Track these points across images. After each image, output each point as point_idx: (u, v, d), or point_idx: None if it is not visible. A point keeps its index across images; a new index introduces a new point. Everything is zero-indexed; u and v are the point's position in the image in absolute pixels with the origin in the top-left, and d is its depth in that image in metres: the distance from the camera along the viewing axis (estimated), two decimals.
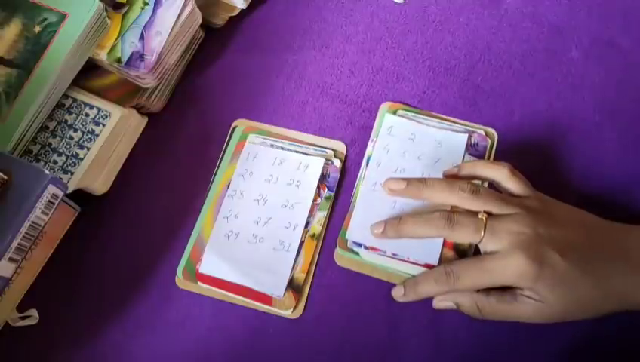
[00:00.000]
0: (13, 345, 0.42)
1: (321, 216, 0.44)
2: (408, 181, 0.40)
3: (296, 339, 0.41)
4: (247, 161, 0.46)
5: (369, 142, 0.46)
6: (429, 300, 0.40)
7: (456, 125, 0.46)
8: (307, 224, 0.43)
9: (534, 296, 0.36)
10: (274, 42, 0.52)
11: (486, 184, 0.42)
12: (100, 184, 0.46)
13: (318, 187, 0.44)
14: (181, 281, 0.43)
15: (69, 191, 0.42)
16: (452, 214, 0.38)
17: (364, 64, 0.50)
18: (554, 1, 0.51)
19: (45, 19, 0.43)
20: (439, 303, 0.39)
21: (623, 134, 0.45)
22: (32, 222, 0.38)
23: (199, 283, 0.42)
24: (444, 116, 0.47)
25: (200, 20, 0.49)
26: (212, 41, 0.53)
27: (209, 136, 0.48)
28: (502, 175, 0.39)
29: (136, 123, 0.48)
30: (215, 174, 0.46)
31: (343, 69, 0.50)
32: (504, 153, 0.45)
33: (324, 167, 0.45)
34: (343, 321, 0.41)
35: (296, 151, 0.46)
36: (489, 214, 0.37)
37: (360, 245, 0.42)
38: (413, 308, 0.41)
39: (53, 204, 0.39)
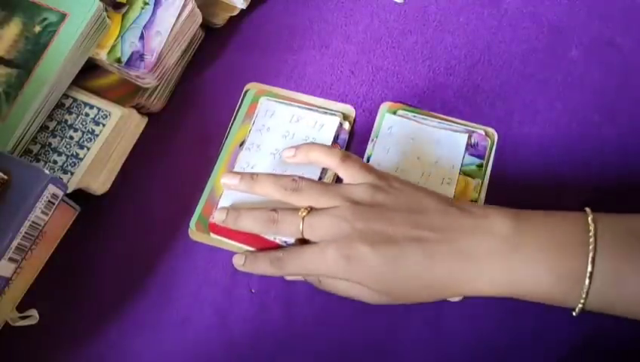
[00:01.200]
0: (13, 345, 0.42)
1: (330, 173, 0.44)
2: (241, 176, 0.41)
3: (294, 339, 0.41)
4: (264, 117, 0.47)
5: (369, 142, 0.46)
6: (430, 302, 0.40)
7: (456, 125, 0.46)
8: (320, 179, 0.44)
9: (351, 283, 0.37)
10: (274, 42, 0.52)
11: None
12: (100, 184, 0.46)
13: (332, 146, 0.45)
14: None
15: (69, 191, 0.42)
16: (275, 212, 0.39)
17: (364, 64, 0.50)
18: (554, 1, 0.51)
19: (45, 19, 0.43)
20: (288, 276, 0.41)
21: (623, 134, 0.45)
22: (32, 222, 0.38)
23: (212, 234, 0.43)
24: (444, 116, 0.47)
25: (200, 20, 0.49)
26: (212, 41, 0.53)
27: (209, 136, 0.48)
28: (333, 162, 0.39)
29: (136, 123, 0.48)
30: (227, 135, 0.48)
31: (343, 69, 0.50)
32: (504, 153, 0.45)
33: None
34: (342, 320, 0.41)
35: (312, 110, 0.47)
36: (312, 208, 0.38)
37: None
38: (413, 307, 0.41)
39: (53, 203, 0.39)
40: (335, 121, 0.46)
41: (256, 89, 0.49)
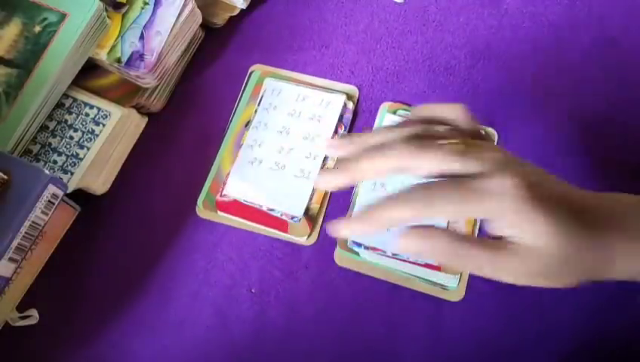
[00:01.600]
0: (13, 345, 0.42)
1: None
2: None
3: (294, 340, 0.41)
4: (271, 96, 0.48)
5: None
6: (430, 302, 0.40)
7: None
8: (325, 158, 0.45)
9: (521, 237, 0.28)
10: (274, 42, 0.52)
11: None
12: (100, 184, 0.46)
13: (337, 124, 0.46)
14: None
15: (69, 191, 0.42)
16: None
17: (364, 64, 0.50)
18: (554, 1, 0.51)
19: (45, 19, 0.43)
20: (406, 241, 0.28)
21: (624, 134, 0.45)
22: (32, 222, 0.38)
23: (219, 212, 0.43)
24: None
25: (200, 20, 0.49)
26: (212, 41, 0.53)
27: (209, 136, 0.48)
28: (457, 113, 0.31)
29: (136, 123, 0.48)
30: (233, 116, 0.48)
31: (343, 69, 0.50)
32: None
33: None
34: (342, 321, 0.41)
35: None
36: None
37: (360, 245, 0.42)
38: (413, 308, 0.41)
39: (53, 203, 0.39)
40: (341, 98, 0.47)
41: (260, 70, 0.50)
